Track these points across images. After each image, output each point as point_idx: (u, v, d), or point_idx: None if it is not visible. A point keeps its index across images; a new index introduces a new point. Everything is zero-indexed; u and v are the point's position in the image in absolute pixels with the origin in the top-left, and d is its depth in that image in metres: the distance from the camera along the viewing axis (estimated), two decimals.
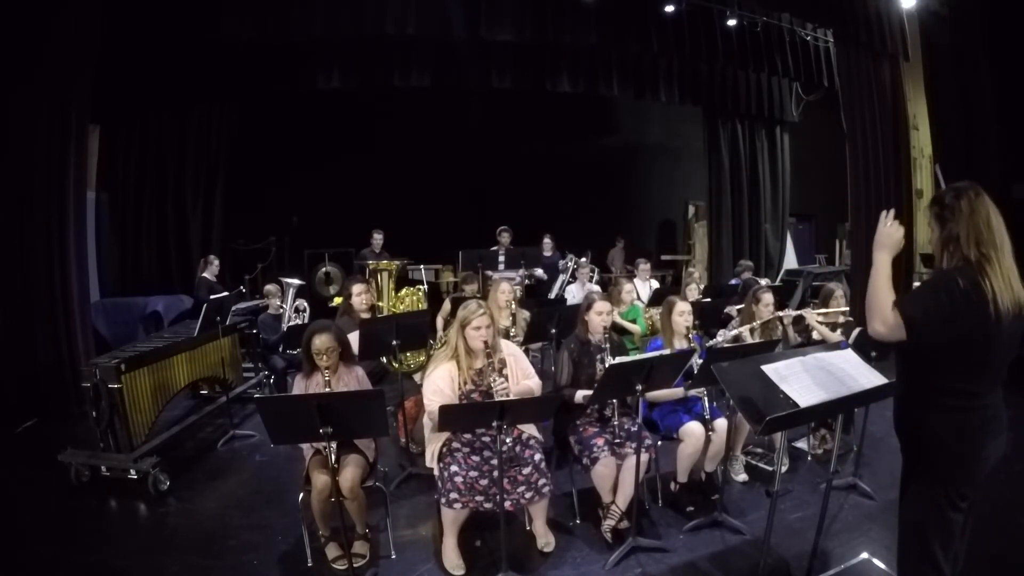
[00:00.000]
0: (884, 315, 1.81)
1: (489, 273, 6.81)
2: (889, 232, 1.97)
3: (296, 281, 5.57)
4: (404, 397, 3.98)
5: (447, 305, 4.81)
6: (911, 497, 1.96)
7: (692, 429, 3.24)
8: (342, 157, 9.02)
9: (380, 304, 4.84)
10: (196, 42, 6.71)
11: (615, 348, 3.39)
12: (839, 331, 4.10)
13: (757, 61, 8.24)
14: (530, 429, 2.98)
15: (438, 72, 7.88)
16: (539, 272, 7.13)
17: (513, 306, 4.65)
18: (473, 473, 2.78)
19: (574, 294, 6.20)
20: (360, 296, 4.24)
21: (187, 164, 8.09)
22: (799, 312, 4.18)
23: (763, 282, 5.79)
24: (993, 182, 1.87)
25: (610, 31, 7.31)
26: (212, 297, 4.93)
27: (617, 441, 3.11)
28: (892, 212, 2.00)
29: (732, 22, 7.76)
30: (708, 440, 3.26)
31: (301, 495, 2.91)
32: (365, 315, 4.17)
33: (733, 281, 7.05)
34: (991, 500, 2.92)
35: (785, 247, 11.05)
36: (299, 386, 3.04)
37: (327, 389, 2.83)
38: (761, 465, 3.88)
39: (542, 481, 2.84)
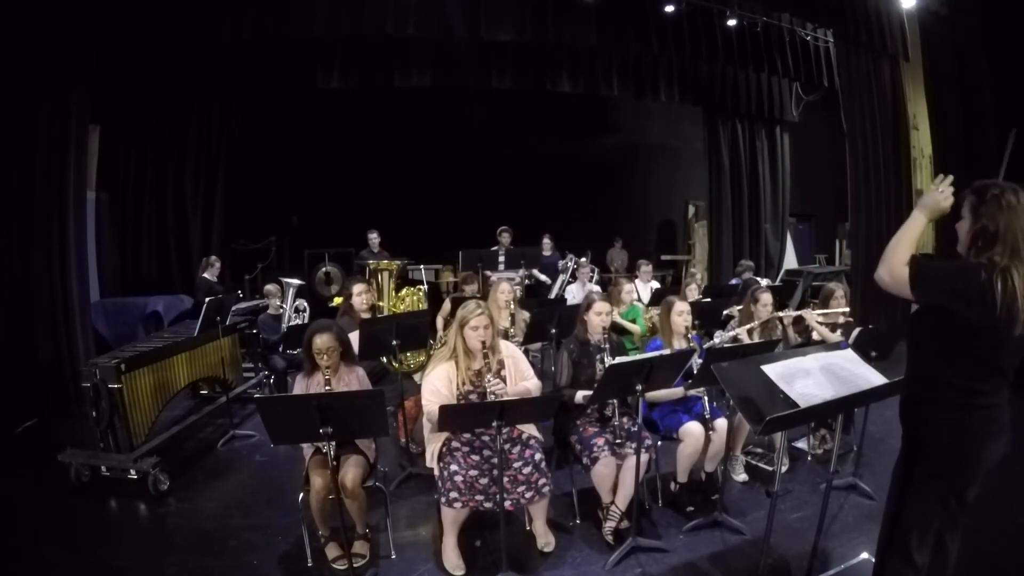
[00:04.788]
0: (894, 266, 1.81)
1: (489, 273, 6.81)
2: (937, 197, 1.90)
3: (296, 281, 5.56)
4: (404, 397, 3.98)
5: (447, 305, 4.81)
6: (900, 486, 1.96)
7: (692, 429, 3.24)
8: (342, 157, 9.02)
9: (380, 304, 4.84)
10: (196, 42, 6.71)
11: (614, 348, 3.39)
12: (839, 331, 4.10)
13: (757, 61, 8.23)
14: (530, 429, 2.98)
15: (438, 72, 7.89)
16: (539, 275, 7.13)
17: (512, 306, 4.65)
18: (473, 472, 2.78)
19: (574, 294, 6.20)
20: (360, 296, 4.24)
21: (187, 164, 8.10)
22: (799, 312, 4.18)
23: (763, 282, 5.79)
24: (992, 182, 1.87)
25: (610, 31, 7.31)
26: (211, 297, 4.92)
27: (617, 441, 3.11)
28: (950, 178, 1.90)
29: (732, 22, 7.76)
30: (708, 440, 3.26)
31: (301, 495, 2.91)
32: (365, 315, 4.17)
33: (733, 281, 7.04)
34: (991, 500, 2.91)
35: (785, 247, 11.05)
36: (300, 385, 3.05)
37: (327, 388, 2.84)
38: (761, 465, 3.88)
39: (542, 481, 2.84)
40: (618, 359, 3.09)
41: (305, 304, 5.66)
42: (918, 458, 1.91)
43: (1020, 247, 1.76)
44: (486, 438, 2.89)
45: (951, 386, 1.83)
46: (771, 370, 2.14)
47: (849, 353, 2.29)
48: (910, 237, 1.86)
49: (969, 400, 1.82)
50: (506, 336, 4.19)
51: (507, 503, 2.72)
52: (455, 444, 2.89)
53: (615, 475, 3.03)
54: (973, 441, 1.84)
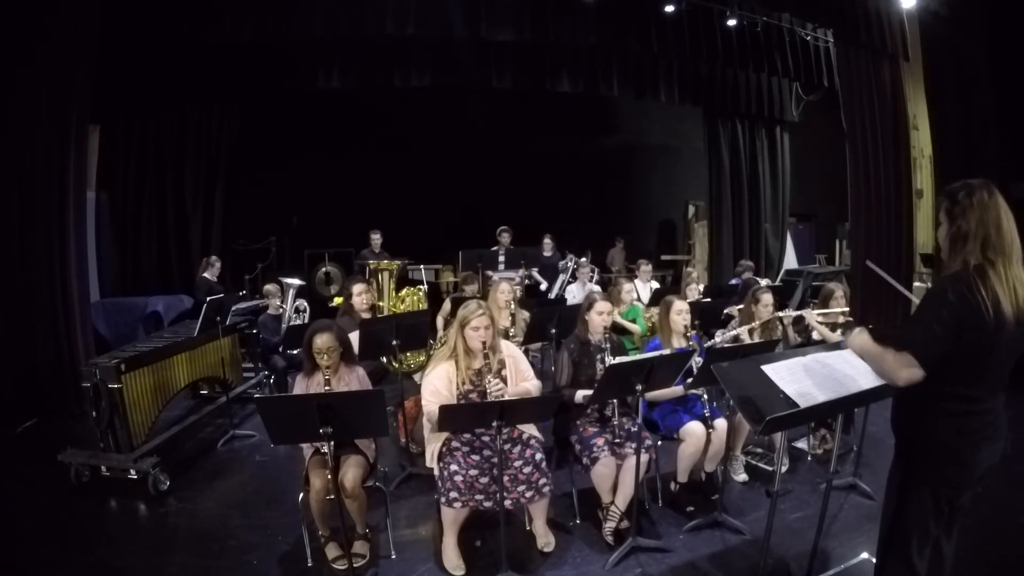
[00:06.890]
0: (895, 368, 1.79)
1: (489, 273, 6.82)
2: (853, 343, 2.00)
3: (296, 281, 5.57)
4: (404, 397, 3.98)
5: (447, 305, 4.81)
6: (896, 494, 1.96)
7: (693, 429, 3.24)
8: (342, 157, 9.02)
9: (380, 304, 4.84)
10: (196, 42, 6.71)
11: (615, 348, 3.39)
12: (839, 331, 4.10)
13: (757, 61, 8.23)
14: (530, 429, 2.98)
15: (438, 72, 7.89)
16: (537, 276, 7.13)
17: (513, 306, 4.65)
18: (473, 472, 2.78)
19: (574, 294, 6.20)
20: (360, 296, 4.24)
21: (187, 164, 8.09)
22: (799, 312, 4.18)
23: (763, 282, 5.79)
24: (993, 182, 1.86)
25: (610, 31, 7.31)
26: (211, 297, 4.93)
27: (617, 441, 3.11)
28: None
29: (732, 22, 7.76)
30: (708, 440, 3.26)
31: (301, 495, 2.91)
32: (366, 315, 4.17)
33: (733, 281, 7.04)
34: (991, 501, 2.92)
35: (785, 247, 11.05)
36: (300, 385, 3.05)
37: (327, 388, 2.83)
38: (761, 465, 3.88)
39: (542, 480, 2.84)
40: (618, 359, 3.09)
41: (305, 304, 5.67)
42: (911, 465, 1.90)
43: (993, 240, 1.74)
44: (486, 438, 2.89)
45: (944, 394, 1.81)
46: (771, 370, 2.14)
47: (849, 353, 2.29)
48: (872, 348, 1.88)
49: (962, 407, 1.81)
50: (506, 336, 4.19)
51: (507, 502, 2.72)
52: (455, 444, 2.89)
53: (615, 475, 3.04)
54: (966, 447, 1.82)
